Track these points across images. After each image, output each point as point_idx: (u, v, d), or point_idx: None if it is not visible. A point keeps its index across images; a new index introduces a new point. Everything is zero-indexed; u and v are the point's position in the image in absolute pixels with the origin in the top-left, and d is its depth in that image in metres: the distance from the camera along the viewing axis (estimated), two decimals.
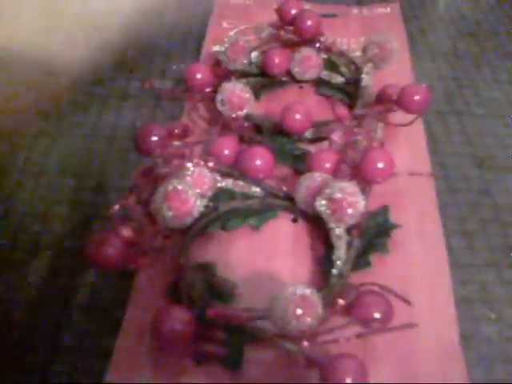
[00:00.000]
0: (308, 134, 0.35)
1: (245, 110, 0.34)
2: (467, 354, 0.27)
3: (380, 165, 0.30)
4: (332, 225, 0.28)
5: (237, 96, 0.34)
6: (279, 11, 0.40)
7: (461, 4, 0.51)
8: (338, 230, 0.28)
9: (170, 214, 0.28)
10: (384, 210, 0.32)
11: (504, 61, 0.45)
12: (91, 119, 0.39)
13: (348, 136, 0.33)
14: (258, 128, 0.36)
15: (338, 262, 0.28)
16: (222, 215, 0.31)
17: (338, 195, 0.28)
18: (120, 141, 0.37)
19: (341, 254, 0.28)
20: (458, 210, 0.34)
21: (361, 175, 0.31)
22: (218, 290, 0.28)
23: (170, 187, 0.28)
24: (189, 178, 0.30)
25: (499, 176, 0.36)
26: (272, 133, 0.36)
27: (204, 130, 0.37)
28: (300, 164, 0.34)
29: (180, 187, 0.28)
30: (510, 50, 0.46)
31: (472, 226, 0.33)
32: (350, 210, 0.28)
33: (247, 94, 0.34)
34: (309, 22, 0.39)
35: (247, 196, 0.32)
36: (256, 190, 0.32)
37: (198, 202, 0.29)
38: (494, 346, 0.28)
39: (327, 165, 0.31)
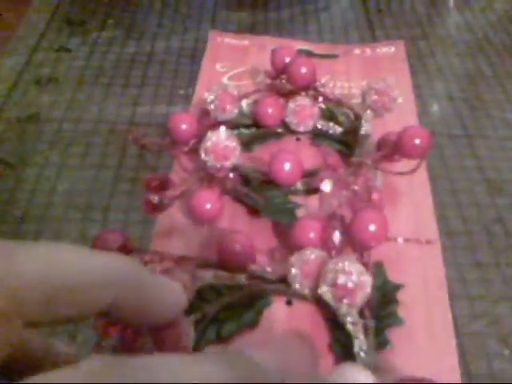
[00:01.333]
0: (299, 185, 0.32)
1: (231, 161, 0.31)
2: None
3: (372, 227, 0.27)
4: (343, 310, 0.25)
5: (222, 145, 0.31)
6: (272, 59, 0.38)
7: (471, 21, 0.50)
8: (351, 318, 0.25)
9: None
10: (378, 268, 0.29)
11: None
12: (98, 149, 0.38)
13: (341, 186, 0.30)
14: (245, 179, 0.33)
15: (362, 354, 0.25)
16: (212, 320, 0.27)
17: (343, 279, 0.25)
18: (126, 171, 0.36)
19: (362, 344, 0.25)
20: (470, 239, 0.32)
21: (352, 239, 0.28)
22: None
23: None
24: None
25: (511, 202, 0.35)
26: (260, 184, 0.33)
27: (185, 180, 0.33)
28: (290, 218, 0.31)
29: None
30: None
31: (484, 256, 0.32)
32: (358, 293, 0.25)
33: (233, 143, 0.31)
34: (303, 70, 0.36)
35: (233, 288, 0.28)
36: (241, 278, 0.28)
37: (192, 331, 0.25)
38: None
39: (311, 235, 0.28)
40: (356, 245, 0.28)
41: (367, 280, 0.25)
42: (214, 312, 0.27)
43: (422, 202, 0.33)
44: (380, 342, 0.26)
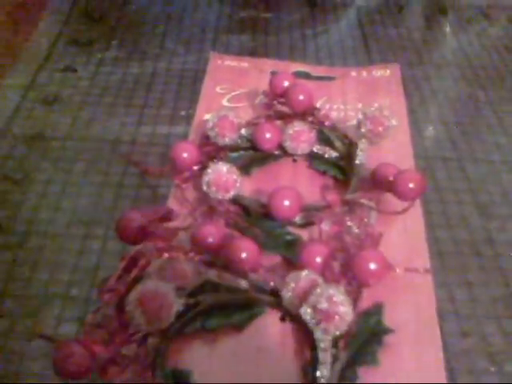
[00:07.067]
0: (298, 219, 0.33)
1: (231, 193, 0.33)
2: None
3: (372, 266, 0.29)
4: (318, 335, 0.26)
5: (224, 178, 0.33)
6: (270, 84, 0.40)
7: (466, 48, 0.51)
8: (323, 344, 0.26)
9: (143, 319, 0.26)
10: (377, 308, 0.29)
11: (509, 106, 0.45)
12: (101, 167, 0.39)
13: (338, 225, 0.32)
14: (245, 210, 0.34)
15: (322, 380, 0.26)
16: (203, 311, 0.29)
17: (324, 305, 0.26)
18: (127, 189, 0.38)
19: (324, 371, 0.26)
20: (461, 260, 0.34)
21: (352, 275, 0.29)
22: None
23: (145, 289, 0.26)
24: (168, 273, 0.28)
25: (501, 224, 0.36)
26: (260, 216, 0.34)
27: (189, 212, 0.35)
28: (290, 251, 0.32)
29: (155, 289, 0.26)
30: None
31: (474, 277, 0.33)
32: (336, 321, 0.26)
33: (234, 176, 0.33)
34: (301, 97, 0.38)
35: (232, 289, 0.30)
36: (242, 282, 0.30)
37: (176, 306, 0.27)
38: None
39: (318, 259, 0.30)
40: (355, 280, 0.29)
41: (347, 312, 0.26)
42: (206, 304, 0.29)
43: (413, 224, 0.34)
44: (347, 375, 0.27)
